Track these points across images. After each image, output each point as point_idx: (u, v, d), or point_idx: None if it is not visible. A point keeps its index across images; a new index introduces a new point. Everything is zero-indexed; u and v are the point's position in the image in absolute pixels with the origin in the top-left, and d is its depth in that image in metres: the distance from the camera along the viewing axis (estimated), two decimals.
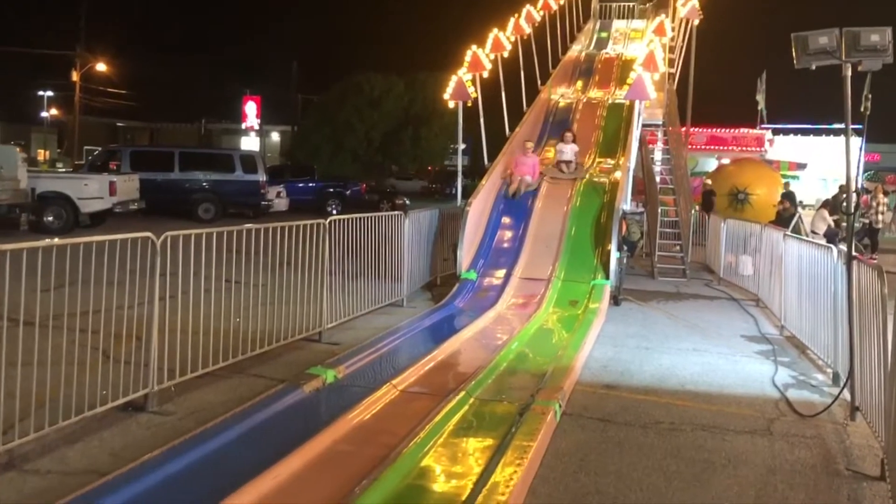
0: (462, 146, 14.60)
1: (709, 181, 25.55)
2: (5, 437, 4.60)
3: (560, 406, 6.01)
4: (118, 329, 6.47)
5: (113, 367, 5.74)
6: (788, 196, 20.62)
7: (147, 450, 4.72)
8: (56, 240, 5.17)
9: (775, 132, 37.22)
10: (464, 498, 4.27)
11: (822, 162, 34.28)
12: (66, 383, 5.21)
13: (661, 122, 17.36)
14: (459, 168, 14.96)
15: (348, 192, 30.37)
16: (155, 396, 5.74)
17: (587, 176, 14.21)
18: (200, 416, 5.52)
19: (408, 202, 29.07)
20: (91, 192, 19.03)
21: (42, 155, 57.31)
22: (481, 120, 14.98)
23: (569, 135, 14.80)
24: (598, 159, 15.63)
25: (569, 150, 14.56)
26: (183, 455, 4.64)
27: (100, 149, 29.94)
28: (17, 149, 19.45)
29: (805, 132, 38.30)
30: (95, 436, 5.13)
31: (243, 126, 54.73)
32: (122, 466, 4.41)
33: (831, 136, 35.40)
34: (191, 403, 5.90)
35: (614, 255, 11.29)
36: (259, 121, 54.50)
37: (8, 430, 4.66)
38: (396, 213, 10.85)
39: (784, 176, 29.33)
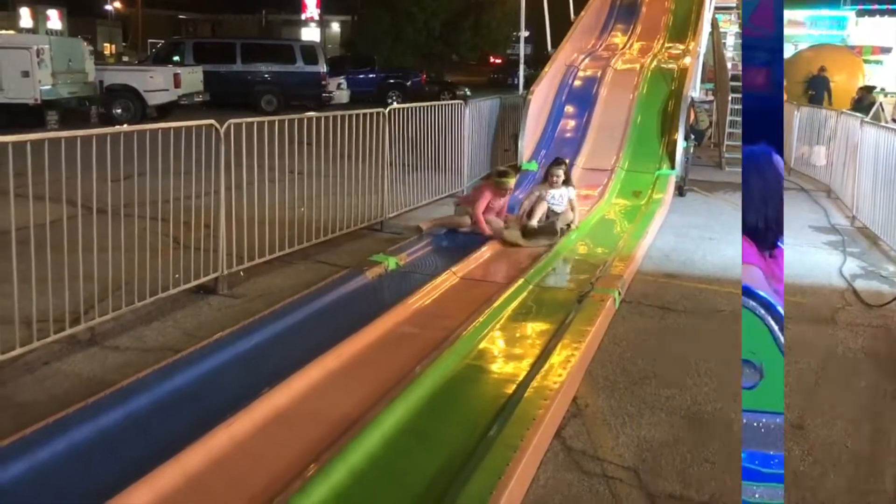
0: (525, 33, 14.10)
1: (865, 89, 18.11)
2: (87, 317, 4.88)
3: (619, 293, 6.02)
4: (187, 217, 6.67)
5: (184, 253, 5.97)
6: (817, 82, 19.47)
7: (218, 329, 4.93)
8: (125, 126, 5.29)
9: (860, 14, 34.90)
10: (521, 378, 4.38)
11: None
12: (140, 267, 5.46)
13: (734, 5, 16.48)
14: (522, 55, 14.56)
15: (409, 83, 30.08)
16: (224, 280, 5.96)
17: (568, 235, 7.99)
18: (268, 299, 5.73)
19: (468, 92, 28.64)
20: (156, 84, 19.33)
21: (108, 49, 57.80)
22: (545, 4, 14.48)
23: (559, 171, 8.25)
24: (666, 44, 15.02)
25: (558, 199, 8.15)
26: (252, 334, 4.84)
27: (163, 41, 30.06)
28: (84, 42, 19.70)
29: (893, 13, 35.77)
30: (169, 316, 5.38)
31: (303, 16, 53.90)
32: (195, 344, 4.63)
33: None
34: (259, 287, 6.12)
35: (681, 145, 11.00)
36: (319, 10, 53.58)
37: (89, 309, 4.94)
38: (457, 102, 10.70)
39: (866, 61, 27.69)
